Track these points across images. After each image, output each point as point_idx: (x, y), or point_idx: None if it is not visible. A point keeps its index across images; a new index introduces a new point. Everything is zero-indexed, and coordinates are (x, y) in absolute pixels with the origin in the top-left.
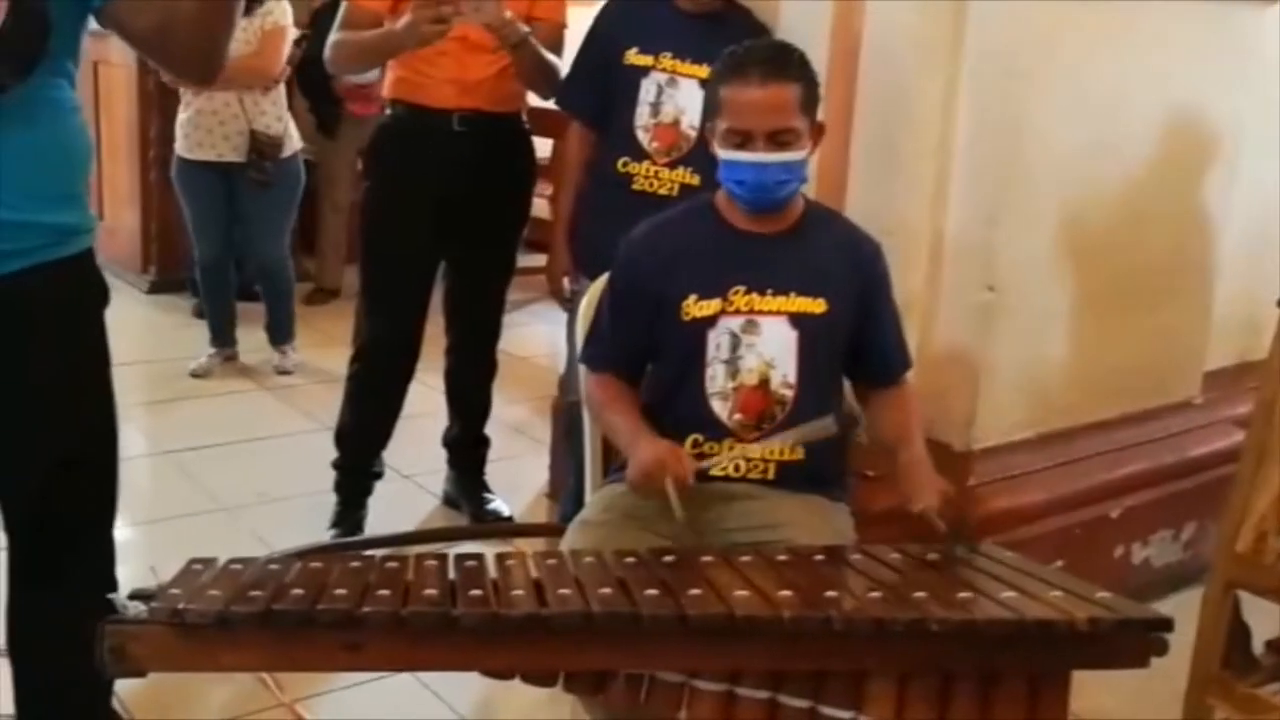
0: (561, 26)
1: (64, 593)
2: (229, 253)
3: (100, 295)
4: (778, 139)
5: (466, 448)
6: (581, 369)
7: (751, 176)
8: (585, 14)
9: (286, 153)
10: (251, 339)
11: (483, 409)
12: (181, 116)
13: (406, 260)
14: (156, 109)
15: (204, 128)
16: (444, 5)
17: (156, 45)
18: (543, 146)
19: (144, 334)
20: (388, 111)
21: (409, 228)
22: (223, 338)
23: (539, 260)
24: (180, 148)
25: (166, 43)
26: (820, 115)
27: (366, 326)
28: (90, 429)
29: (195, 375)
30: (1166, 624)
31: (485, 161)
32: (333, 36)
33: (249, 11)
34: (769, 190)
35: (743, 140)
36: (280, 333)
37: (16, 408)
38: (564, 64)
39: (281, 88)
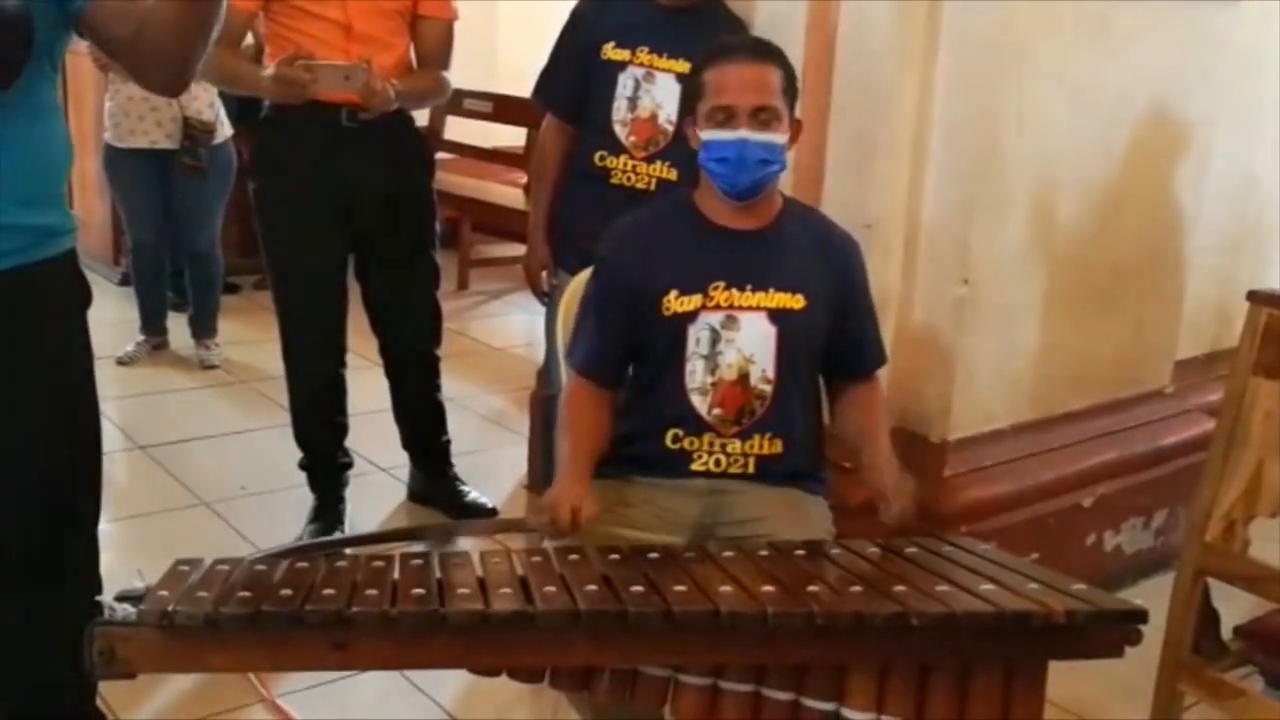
0: (450, 23)
1: (51, 594)
2: (162, 239)
3: (83, 295)
4: (760, 117)
5: (425, 450)
6: (564, 366)
7: (734, 153)
8: (561, 5)
9: (219, 139)
10: (225, 332)
11: (431, 417)
12: (110, 105)
13: (313, 260)
14: None
15: (135, 115)
16: (304, 75)
17: (132, 53)
18: (515, 135)
19: (117, 327)
20: (268, 103)
21: (311, 224)
22: (153, 325)
23: (518, 250)
24: (110, 136)
25: (142, 50)
26: (797, 112)
27: (286, 331)
28: (76, 429)
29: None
30: (1141, 615)
31: (378, 157)
32: None
33: None
34: (750, 169)
35: (726, 118)
36: (204, 325)
37: (1, 409)
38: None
39: None
